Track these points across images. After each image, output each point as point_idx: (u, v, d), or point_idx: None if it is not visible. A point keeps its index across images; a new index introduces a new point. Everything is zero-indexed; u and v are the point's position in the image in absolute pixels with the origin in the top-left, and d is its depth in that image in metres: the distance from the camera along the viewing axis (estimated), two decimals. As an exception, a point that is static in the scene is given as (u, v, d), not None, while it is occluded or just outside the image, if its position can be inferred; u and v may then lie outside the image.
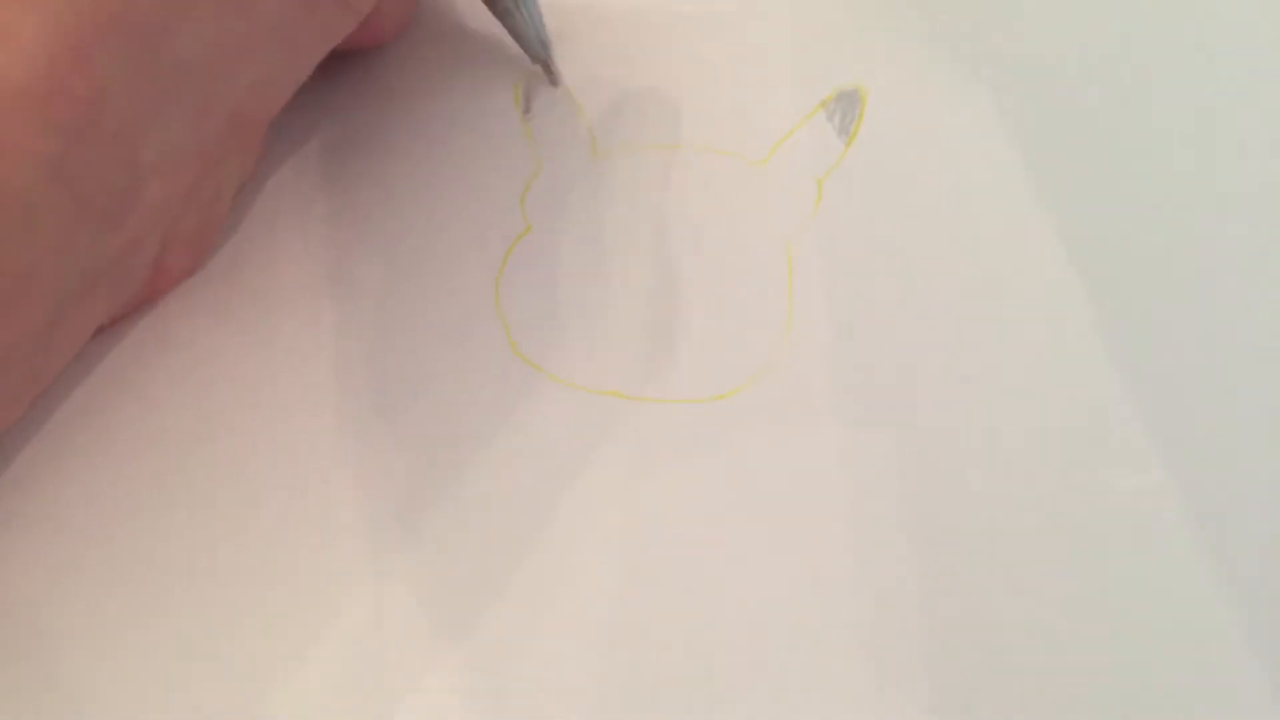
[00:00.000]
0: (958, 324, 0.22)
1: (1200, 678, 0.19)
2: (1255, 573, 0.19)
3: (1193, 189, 0.24)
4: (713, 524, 0.20)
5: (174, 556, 0.20)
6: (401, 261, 0.23)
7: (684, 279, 0.23)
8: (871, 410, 0.21)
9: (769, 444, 0.21)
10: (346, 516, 0.20)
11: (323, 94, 0.25)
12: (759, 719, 0.19)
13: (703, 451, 0.21)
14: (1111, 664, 0.19)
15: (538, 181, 0.24)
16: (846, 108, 0.25)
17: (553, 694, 0.19)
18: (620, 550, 0.20)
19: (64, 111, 0.17)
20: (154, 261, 0.21)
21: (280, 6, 0.20)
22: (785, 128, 0.25)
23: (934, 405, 0.21)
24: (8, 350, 0.18)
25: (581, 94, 0.25)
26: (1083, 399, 0.21)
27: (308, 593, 0.20)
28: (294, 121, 0.24)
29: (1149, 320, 0.22)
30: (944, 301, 0.22)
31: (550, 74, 0.25)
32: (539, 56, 0.25)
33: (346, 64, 0.25)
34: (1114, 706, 0.19)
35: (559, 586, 0.20)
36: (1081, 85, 0.25)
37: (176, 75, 0.18)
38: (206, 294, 0.23)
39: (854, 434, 0.21)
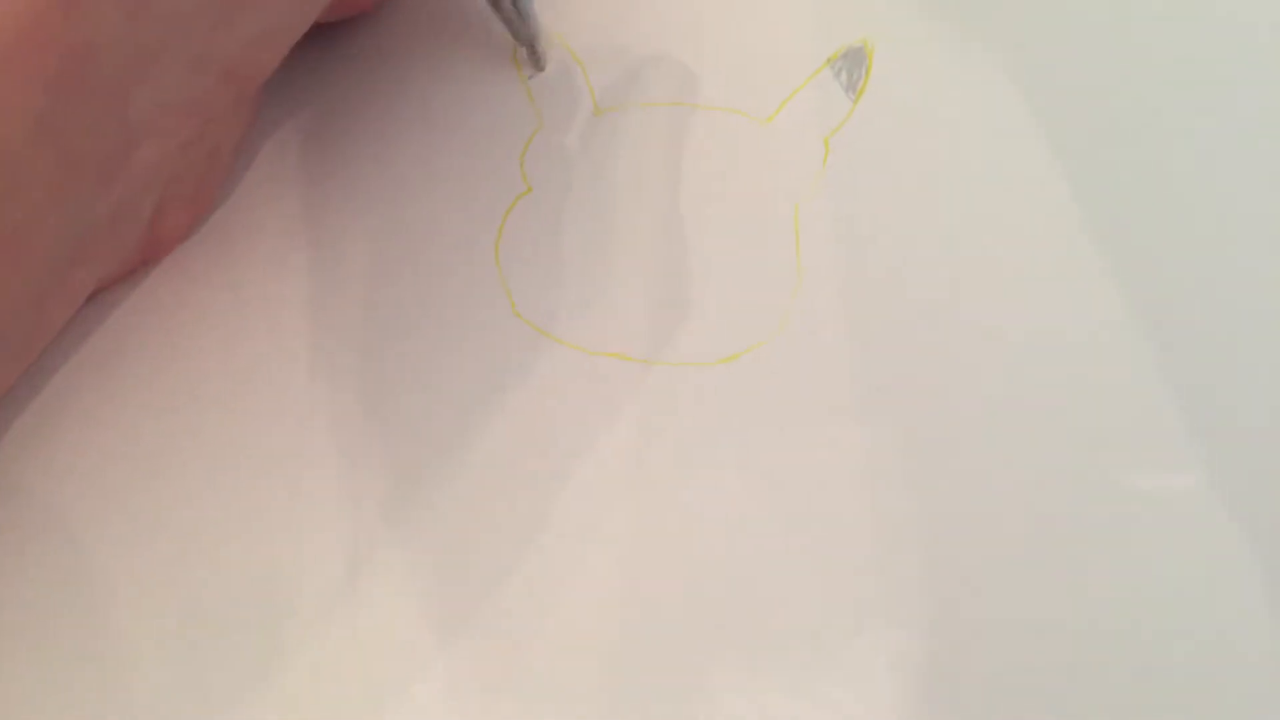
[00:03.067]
0: (965, 285, 0.22)
1: (1225, 678, 0.18)
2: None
3: (1228, 157, 0.23)
4: (718, 487, 0.20)
5: (161, 539, 0.20)
6: (399, 223, 0.22)
7: (688, 239, 0.22)
8: (880, 374, 0.21)
9: (776, 407, 0.21)
10: (345, 481, 0.20)
11: (317, 54, 0.24)
12: (760, 686, 0.18)
13: (709, 414, 0.20)
14: (1123, 664, 0.19)
15: (537, 141, 0.23)
16: (853, 65, 0.24)
17: (561, 650, 0.19)
18: (626, 512, 0.20)
19: (52, 63, 0.16)
20: (149, 223, 0.21)
21: None
22: (792, 85, 0.24)
23: (942, 369, 0.21)
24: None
25: (583, 51, 0.25)
26: (1097, 361, 0.21)
27: (315, 558, 0.19)
28: (290, 82, 0.24)
29: (1168, 296, 0.21)
30: (951, 263, 0.22)
31: (535, 59, 0.24)
32: (525, 39, 0.24)
33: (342, 27, 0.25)
34: (1126, 706, 0.18)
35: (566, 549, 0.19)
36: (1093, 42, 0.24)
37: (169, 26, 0.18)
38: (200, 258, 0.22)
39: (864, 398, 0.21)
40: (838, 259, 0.22)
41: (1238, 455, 0.20)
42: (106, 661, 0.18)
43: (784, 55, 0.24)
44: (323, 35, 0.24)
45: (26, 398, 0.21)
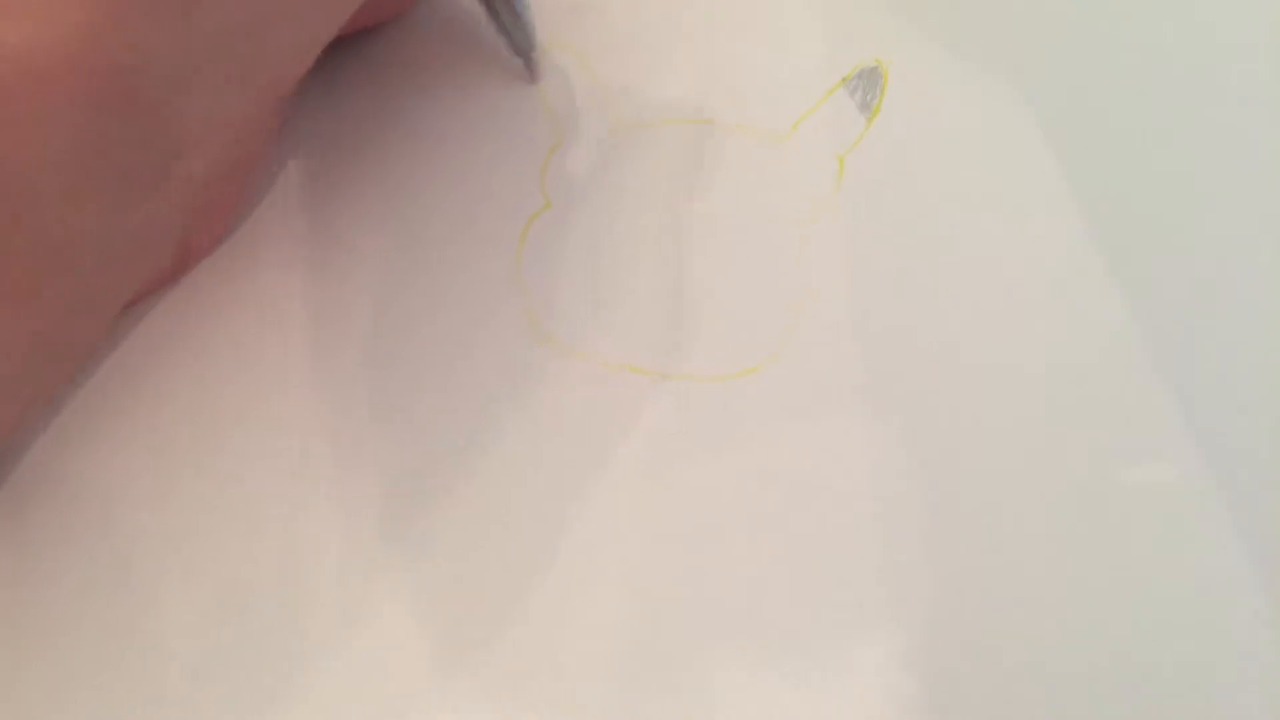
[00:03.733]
0: (977, 306, 0.22)
1: (1220, 672, 0.19)
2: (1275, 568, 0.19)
3: (1227, 167, 0.23)
4: (732, 502, 0.20)
5: (178, 551, 0.20)
6: (419, 239, 0.23)
7: (703, 255, 0.23)
8: (891, 391, 0.21)
9: (789, 422, 0.21)
10: (362, 489, 0.20)
11: (336, 69, 0.25)
12: (770, 692, 0.19)
13: (723, 429, 0.21)
14: (1120, 658, 0.19)
15: (556, 157, 0.24)
16: (868, 84, 0.25)
17: (576, 662, 0.19)
18: (641, 526, 0.20)
19: (99, 83, 0.17)
20: (182, 235, 0.21)
21: None
22: (807, 104, 0.24)
23: (952, 387, 0.21)
24: (41, 329, 0.18)
25: (601, 68, 0.25)
26: (1105, 389, 0.21)
27: (333, 567, 0.20)
28: (309, 99, 0.24)
29: (1175, 308, 0.22)
30: (965, 283, 0.22)
31: (531, 69, 0.24)
32: (521, 51, 0.24)
33: (360, 41, 0.25)
34: (1126, 700, 0.18)
35: (582, 562, 0.20)
36: (1107, 60, 0.25)
37: (211, 42, 0.18)
38: (223, 272, 0.23)
39: (873, 414, 0.21)
40: (851, 277, 0.22)
41: (1245, 452, 0.20)
42: (138, 648, 0.19)
43: (800, 74, 0.25)
44: (342, 47, 0.25)
45: (63, 401, 0.21)
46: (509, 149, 0.24)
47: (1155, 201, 0.23)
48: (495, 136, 0.24)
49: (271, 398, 0.21)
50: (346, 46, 0.25)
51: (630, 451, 0.21)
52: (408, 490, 0.20)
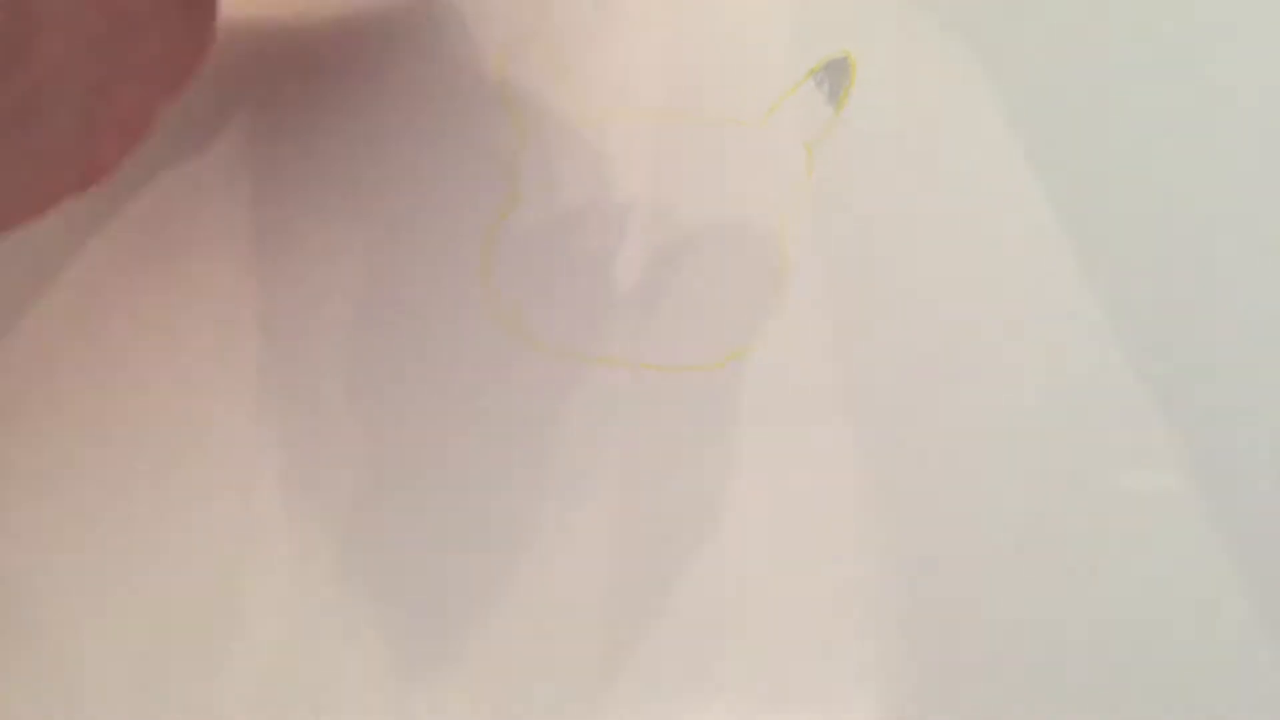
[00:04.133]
0: (951, 290, 0.22)
1: (1210, 680, 0.19)
2: (1268, 574, 0.19)
3: (1210, 158, 0.23)
4: (707, 490, 0.20)
5: (122, 543, 0.19)
6: (387, 237, 0.23)
7: (676, 246, 0.22)
8: (867, 378, 0.21)
9: (765, 410, 0.21)
10: (328, 489, 0.20)
11: (307, 66, 0.24)
12: (748, 691, 0.18)
13: (698, 417, 0.21)
14: (1113, 663, 0.19)
15: (526, 151, 0.24)
16: (836, 75, 0.25)
17: (555, 661, 0.19)
18: (617, 519, 0.20)
19: None
20: (79, 140, 0.20)
21: None
22: (776, 95, 0.24)
23: (929, 373, 0.21)
24: None
25: (569, 60, 0.25)
26: (1084, 383, 0.21)
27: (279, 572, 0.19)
28: (276, 100, 0.24)
29: (1152, 302, 0.22)
30: (937, 266, 0.22)
31: None
32: None
33: (326, 39, 0.25)
34: (1113, 707, 0.18)
35: (555, 553, 0.19)
36: (1075, 47, 0.25)
37: None
38: (178, 273, 0.22)
39: (847, 408, 0.21)
40: (824, 266, 0.22)
41: (1230, 455, 0.20)
42: (53, 663, 0.18)
43: (768, 65, 0.25)
44: (312, 48, 0.24)
45: None
46: (477, 144, 0.24)
47: (1127, 194, 0.23)
48: (462, 131, 0.24)
49: (234, 400, 0.21)
50: (313, 47, 0.24)
51: (604, 445, 0.20)
52: (376, 492, 0.20)
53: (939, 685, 0.18)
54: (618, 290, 0.22)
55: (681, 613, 0.19)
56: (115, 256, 0.22)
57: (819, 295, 0.22)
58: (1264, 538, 0.19)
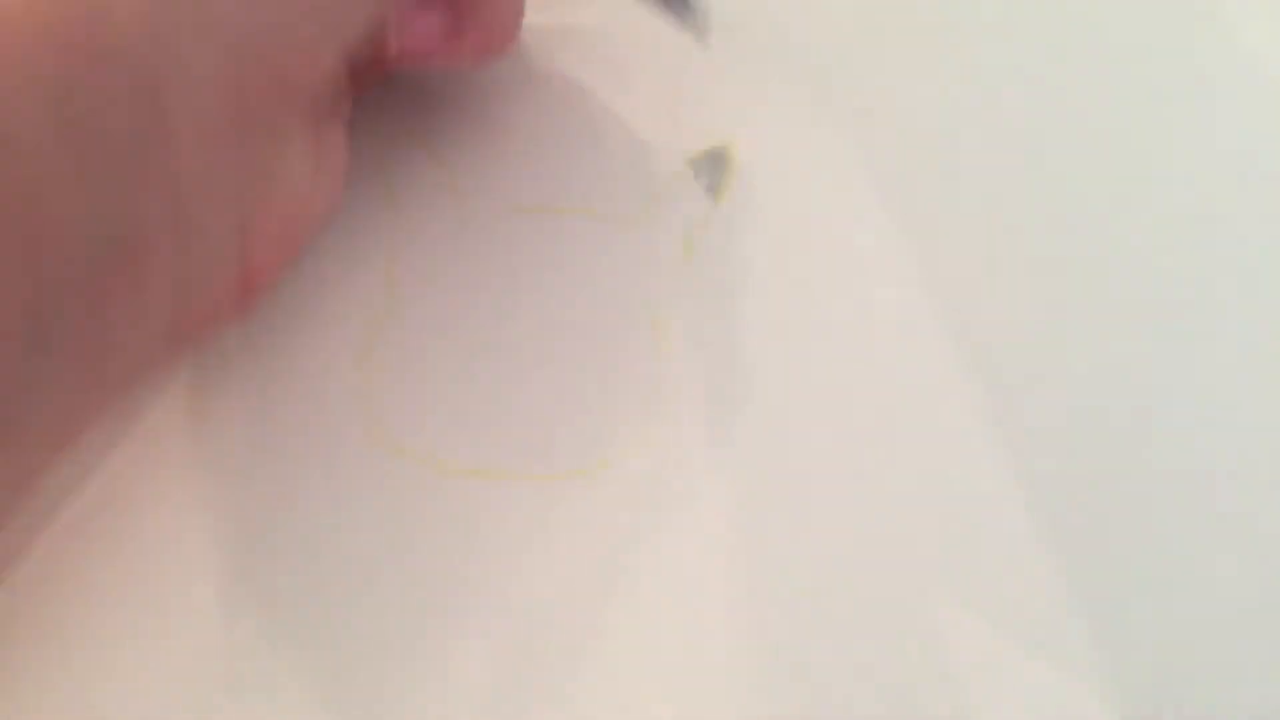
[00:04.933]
0: (831, 391, 0.22)
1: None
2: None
3: (1080, 239, 0.24)
4: (586, 602, 0.20)
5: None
6: (264, 339, 0.22)
7: (551, 347, 0.22)
8: (747, 476, 0.21)
9: (642, 519, 0.20)
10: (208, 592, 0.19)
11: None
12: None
13: (572, 528, 0.20)
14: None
15: (403, 252, 0.23)
16: (715, 166, 0.25)
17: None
18: (492, 629, 0.19)
19: (65, 27, 0.15)
20: (235, 262, 0.19)
21: None
22: (655, 187, 0.24)
23: (809, 466, 0.21)
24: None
25: (449, 157, 0.25)
26: (962, 487, 0.21)
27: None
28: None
29: (1027, 397, 0.22)
30: (817, 362, 0.22)
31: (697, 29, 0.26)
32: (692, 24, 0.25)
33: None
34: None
35: (434, 664, 0.19)
36: (951, 140, 0.25)
37: (192, 4, 0.17)
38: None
39: (726, 500, 0.21)
40: (702, 360, 0.22)
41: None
42: None
43: (647, 157, 0.25)
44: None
45: None
46: (352, 247, 0.23)
47: (1015, 286, 0.23)
48: (337, 236, 0.23)
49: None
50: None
51: (479, 558, 0.20)
52: (243, 604, 0.19)
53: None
54: (489, 397, 0.22)
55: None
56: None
57: (696, 394, 0.22)
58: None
